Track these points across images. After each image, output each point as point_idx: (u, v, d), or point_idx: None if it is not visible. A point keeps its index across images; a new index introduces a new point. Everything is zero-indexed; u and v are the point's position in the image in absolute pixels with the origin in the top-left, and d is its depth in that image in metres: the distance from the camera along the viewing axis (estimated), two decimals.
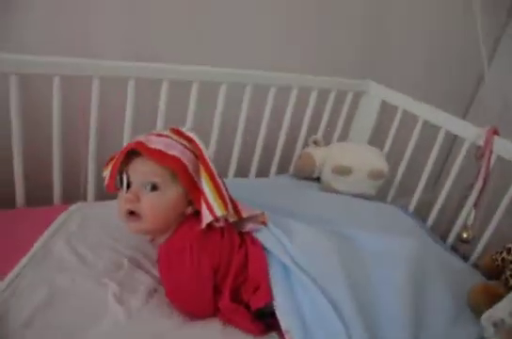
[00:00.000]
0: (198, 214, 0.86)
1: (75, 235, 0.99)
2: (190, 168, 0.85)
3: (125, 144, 1.14)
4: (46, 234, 0.97)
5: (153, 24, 1.23)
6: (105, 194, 1.17)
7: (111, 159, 0.92)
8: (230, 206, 0.86)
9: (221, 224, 0.88)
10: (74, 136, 1.14)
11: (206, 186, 0.84)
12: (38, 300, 0.80)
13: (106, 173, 0.92)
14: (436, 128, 1.38)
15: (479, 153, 1.25)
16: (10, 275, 0.84)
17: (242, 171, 1.43)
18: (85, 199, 1.19)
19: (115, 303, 0.82)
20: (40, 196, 1.12)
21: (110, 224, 1.03)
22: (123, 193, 0.87)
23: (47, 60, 1.00)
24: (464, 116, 2.02)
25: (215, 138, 1.30)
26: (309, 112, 1.46)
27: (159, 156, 0.83)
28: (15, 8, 1.06)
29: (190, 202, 0.88)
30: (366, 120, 1.58)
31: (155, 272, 0.93)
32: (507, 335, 0.75)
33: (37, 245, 0.93)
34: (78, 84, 1.08)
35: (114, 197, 1.18)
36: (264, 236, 0.93)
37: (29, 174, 1.08)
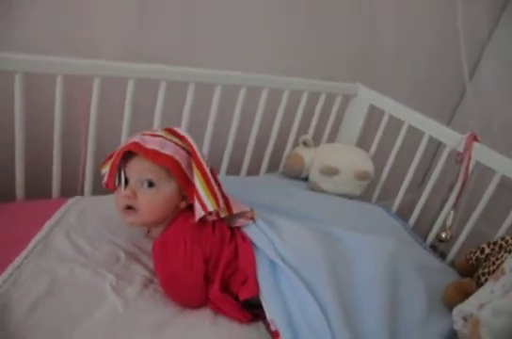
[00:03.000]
0: (191, 208, 0.92)
1: (74, 228, 1.03)
2: (183, 165, 0.91)
3: (123, 141, 1.20)
4: (46, 226, 1.01)
5: (152, 24, 1.27)
6: (102, 189, 1.22)
7: (109, 157, 0.98)
8: (221, 202, 0.92)
9: (214, 218, 0.94)
10: (74, 132, 1.18)
11: (198, 182, 0.90)
12: (39, 290, 0.84)
13: (105, 171, 0.97)
14: (420, 132, 1.45)
15: (459, 158, 1.32)
16: (12, 266, 0.88)
17: (234, 169, 1.49)
18: (82, 193, 1.23)
19: (112, 292, 0.87)
20: (38, 189, 1.17)
21: (107, 218, 1.08)
22: (121, 190, 0.92)
23: (51, 60, 1.04)
24: (449, 122, 2.09)
25: (208, 137, 1.35)
26: (299, 114, 1.52)
27: (154, 156, 0.89)
28: (17, 8, 1.09)
29: (184, 197, 0.95)
30: (354, 122, 1.64)
31: (150, 265, 0.98)
32: (474, 327, 0.82)
33: (37, 237, 0.98)
34: (79, 82, 1.13)
35: (110, 191, 1.24)
36: (252, 232, 0.98)
37: (28, 168, 1.12)
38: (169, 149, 0.91)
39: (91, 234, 1.03)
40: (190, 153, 0.93)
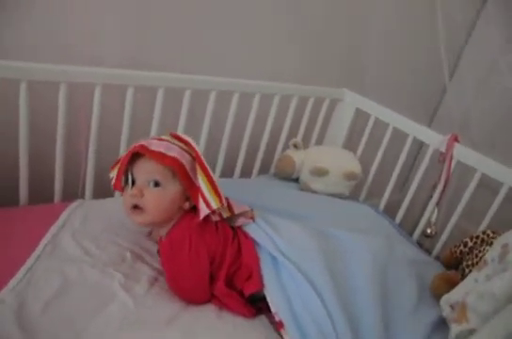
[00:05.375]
0: (194, 209, 0.98)
1: (79, 231, 1.07)
2: (188, 167, 0.96)
3: (122, 146, 1.25)
4: (52, 229, 1.05)
5: (151, 31, 1.32)
6: (101, 192, 1.26)
7: (116, 163, 1.02)
8: (224, 200, 0.97)
9: (217, 218, 0.99)
10: (75, 138, 1.22)
11: (202, 183, 0.95)
12: (52, 289, 0.88)
13: (113, 175, 1.02)
14: (404, 134, 1.53)
15: (441, 158, 1.40)
16: (24, 267, 0.92)
17: (227, 172, 1.54)
18: (83, 196, 1.27)
19: (121, 290, 0.92)
20: (39, 193, 1.20)
21: (110, 220, 1.13)
22: (129, 189, 0.97)
23: (55, 68, 1.07)
24: (430, 123, 2.19)
25: (203, 142, 1.40)
26: (289, 117, 1.58)
27: (160, 157, 0.94)
28: (15, 12, 1.12)
29: (188, 198, 0.99)
30: (341, 125, 1.71)
31: (155, 264, 1.03)
32: (461, 311, 0.89)
33: (45, 240, 1.01)
34: (80, 89, 1.16)
35: (110, 195, 1.28)
36: (253, 230, 1.04)
37: (29, 173, 1.15)
38: (175, 152, 0.96)
39: (96, 235, 1.07)
40: (194, 157, 0.98)
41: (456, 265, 1.23)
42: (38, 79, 1.06)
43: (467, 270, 1.15)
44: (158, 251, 1.03)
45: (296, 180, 1.59)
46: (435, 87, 2.08)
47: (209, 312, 0.93)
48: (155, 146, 0.96)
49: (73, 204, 1.17)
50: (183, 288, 0.95)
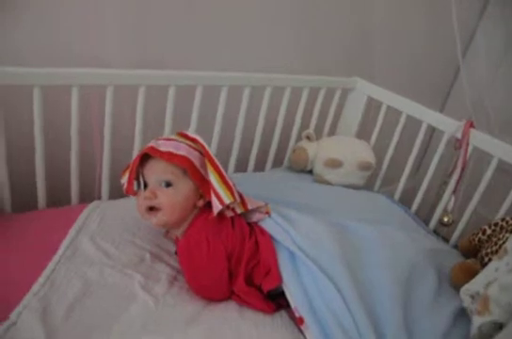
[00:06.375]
0: (209, 207, 0.97)
1: (97, 233, 1.08)
2: (197, 164, 0.97)
3: (136, 145, 1.25)
4: (71, 232, 1.06)
5: (155, 30, 1.31)
6: (117, 193, 1.27)
7: (127, 168, 1.03)
8: (236, 194, 0.97)
9: (231, 214, 0.99)
10: (88, 140, 1.23)
11: (213, 178, 0.95)
12: (74, 292, 0.90)
13: (124, 180, 1.02)
14: (416, 120, 1.50)
15: (457, 145, 1.38)
16: (46, 271, 0.93)
17: (240, 166, 1.54)
18: (99, 198, 1.28)
19: (142, 291, 0.93)
20: (56, 196, 1.22)
21: (127, 220, 1.14)
22: (142, 192, 0.97)
23: (67, 71, 1.08)
24: (442, 107, 2.15)
25: (216, 137, 1.40)
26: (301, 109, 1.57)
27: (170, 157, 0.95)
28: (17, 14, 1.12)
29: (201, 196, 1.00)
30: (353, 114, 1.69)
31: (173, 263, 1.04)
32: (484, 303, 0.88)
33: (64, 243, 1.02)
34: (91, 93, 1.17)
35: (126, 195, 1.28)
36: (269, 226, 1.04)
37: (46, 176, 1.17)
38: (183, 150, 0.96)
39: (114, 237, 1.08)
40: (202, 153, 0.98)
41: (475, 253, 1.22)
42: (50, 84, 1.06)
43: (486, 259, 1.14)
44: (176, 252, 1.04)
45: (310, 172, 1.59)
46: (447, 71, 2.04)
47: (231, 310, 0.94)
48: (164, 146, 0.96)
49: (90, 206, 1.18)
50: (202, 287, 0.96)
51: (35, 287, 0.89)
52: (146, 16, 1.28)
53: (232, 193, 0.96)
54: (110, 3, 1.19)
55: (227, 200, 0.95)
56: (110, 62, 1.22)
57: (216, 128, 1.39)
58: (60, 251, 1.00)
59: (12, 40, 1.10)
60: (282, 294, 0.96)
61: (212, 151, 0.99)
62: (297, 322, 0.91)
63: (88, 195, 1.27)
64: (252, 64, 1.44)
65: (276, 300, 0.98)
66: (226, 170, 1.39)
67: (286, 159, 1.64)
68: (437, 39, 1.88)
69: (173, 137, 1.02)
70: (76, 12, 1.16)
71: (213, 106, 1.36)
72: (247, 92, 1.39)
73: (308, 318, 0.89)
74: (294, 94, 1.51)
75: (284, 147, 1.62)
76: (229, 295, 0.97)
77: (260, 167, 1.60)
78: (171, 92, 1.24)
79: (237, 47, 1.48)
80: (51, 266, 0.95)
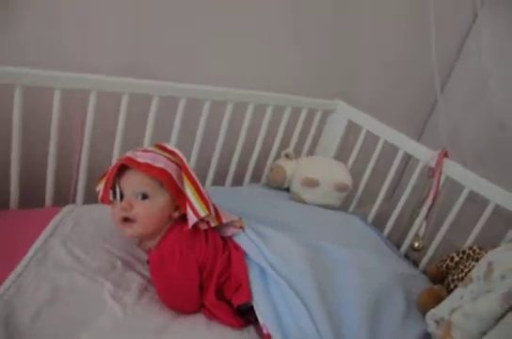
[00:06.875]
0: (184, 219, 0.98)
1: (70, 237, 1.06)
2: (174, 176, 0.97)
3: (115, 152, 1.25)
4: (42, 235, 1.04)
5: (149, 39, 1.32)
6: (93, 198, 1.26)
7: (103, 176, 1.03)
8: (211, 208, 0.98)
9: (205, 227, 1.00)
10: (67, 143, 1.22)
11: (189, 191, 0.96)
12: (41, 297, 0.87)
13: (99, 188, 1.02)
14: (394, 147, 1.54)
15: (431, 173, 1.42)
16: (13, 274, 0.91)
17: (219, 180, 1.54)
18: (73, 201, 1.26)
19: (111, 300, 0.91)
20: (30, 196, 1.20)
21: (101, 226, 1.12)
22: (117, 203, 0.97)
23: (50, 74, 1.07)
24: (420, 136, 2.21)
25: (196, 150, 1.40)
26: (282, 128, 1.59)
27: (147, 169, 0.95)
28: (14, 19, 1.12)
29: (177, 207, 1.00)
30: (333, 136, 1.72)
31: (145, 272, 1.03)
32: (446, 329, 0.90)
33: (35, 246, 1.00)
34: (74, 96, 1.16)
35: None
36: (243, 241, 1.05)
37: (20, 175, 1.15)
38: (161, 162, 0.97)
39: (87, 242, 1.07)
40: (180, 166, 0.99)
41: (442, 279, 1.25)
42: (32, 85, 1.06)
43: (452, 285, 1.17)
44: (148, 261, 1.03)
45: (287, 189, 1.61)
46: (426, 100, 2.11)
47: (199, 323, 0.94)
48: (141, 158, 0.96)
49: (64, 209, 1.17)
50: (172, 298, 0.95)
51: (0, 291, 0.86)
52: (141, 25, 1.30)
53: (208, 206, 0.97)
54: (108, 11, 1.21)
55: (202, 212, 0.95)
56: (98, 67, 1.22)
57: (197, 141, 1.40)
58: (29, 254, 0.98)
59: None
60: (252, 309, 0.96)
61: (191, 163, 1.00)
62: None
63: (63, 197, 1.25)
64: (238, 81, 1.46)
65: (245, 316, 0.97)
66: (204, 183, 1.41)
67: (264, 176, 1.66)
68: (417, 69, 1.95)
69: (151, 148, 1.02)
70: (76, 13, 1.18)
71: (195, 119, 1.37)
72: (229, 108, 1.41)
73: (275, 336, 0.89)
74: (275, 113, 1.54)
75: (263, 164, 1.63)
76: (198, 307, 0.96)
77: (238, 181, 1.60)
78: (154, 102, 1.25)
79: (225, 63, 1.50)
80: (18, 269, 0.93)
